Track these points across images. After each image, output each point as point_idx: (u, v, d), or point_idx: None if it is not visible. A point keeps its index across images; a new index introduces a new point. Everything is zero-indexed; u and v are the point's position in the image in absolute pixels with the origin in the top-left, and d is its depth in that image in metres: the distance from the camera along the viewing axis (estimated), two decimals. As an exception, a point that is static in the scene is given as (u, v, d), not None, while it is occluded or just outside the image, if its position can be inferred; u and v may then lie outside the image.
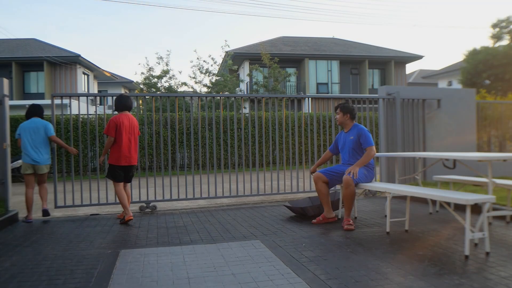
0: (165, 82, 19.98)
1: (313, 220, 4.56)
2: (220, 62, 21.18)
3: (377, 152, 11.70)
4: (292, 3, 63.93)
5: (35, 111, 5.32)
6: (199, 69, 19.86)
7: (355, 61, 24.93)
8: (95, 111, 5.76)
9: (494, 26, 20.49)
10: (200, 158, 5.98)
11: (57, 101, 12.53)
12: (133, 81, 26.14)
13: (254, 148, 13.12)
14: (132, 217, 4.79)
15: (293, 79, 23.06)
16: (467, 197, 3.09)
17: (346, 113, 4.64)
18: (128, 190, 5.19)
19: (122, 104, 4.99)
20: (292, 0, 51.71)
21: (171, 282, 2.71)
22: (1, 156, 5.37)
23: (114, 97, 5.13)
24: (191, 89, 20.13)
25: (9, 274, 2.96)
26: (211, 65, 20.08)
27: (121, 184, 4.91)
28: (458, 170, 5.68)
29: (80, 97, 21.14)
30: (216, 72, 20.25)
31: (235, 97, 6.35)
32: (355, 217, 4.78)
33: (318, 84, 23.94)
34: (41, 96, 22.50)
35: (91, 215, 5.51)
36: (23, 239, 4.12)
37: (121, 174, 4.89)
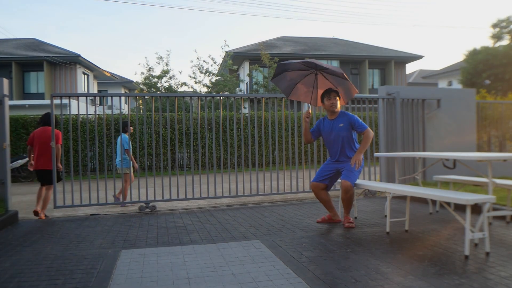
0: (165, 82, 19.99)
1: (318, 219, 4.58)
2: (220, 62, 21.18)
3: (377, 152, 11.70)
4: (292, 3, 63.91)
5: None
6: (199, 69, 19.87)
7: (355, 61, 24.93)
8: (95, 111, 5.76)
9: (494, 26, 20.50)
10: (200, 158, 5.98)
11: (57, 101, 12.53)
12: (133, 81, 26.13)
13: (254, 148, 13.11)
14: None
15: (293, 79, 23.04)
16: (467, 197, 3.09)
17: (322, 101, 4.51)
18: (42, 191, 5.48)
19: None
20: (292, 0, 51.69)
21: (171, 282, 2.71)
22: (1, 156, 5.37)
23: (114, 97, 5.14)
24: (191, 89, 20.13)
25: (9, 274, 2.95)
26: (211, 65, 20.10)
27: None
28: (458, 170, 5.67)
29: (80, 97, 21.15)
30: (216, 72, 20.25)
31: (235, 97, 6.35)
32: (355, 217, 4.78)
33: (318, 84, 23.92)
34: (41, 96, 22.50)
35: (91, 215, 5.51)
36: (23, 239, 4.12)
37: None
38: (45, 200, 5.46)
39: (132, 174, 6.62)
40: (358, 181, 4.79)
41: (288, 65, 4.49)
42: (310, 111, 4.54)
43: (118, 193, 6.44)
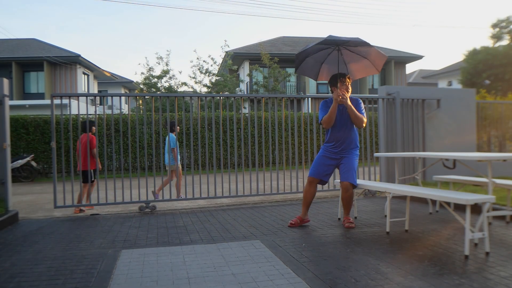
0: (165, 82, 20.00)
1: (291, 222, 4.41)
2: (220, 62, 21.18)
3: (377, 152, 11.70)
4: (292, 3, 63.91)
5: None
6: (199, 69, 19.87)
7: (355, 61, 24.89)
8: (95, 111, 5.76)
9: (494, 26, 20.50)
10: (200, 158, 5.98)
11: (57, 101, 12.51)
12: (133, 81, 26.13)
13: (254, 148, 13.11)
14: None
15: (293, 79, 23.07)
16: (467, 197, 3.09)
17: (333, 85, 4.35)
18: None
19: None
20: (292, 0, 51.70)
21: (171, 282, 2.71)
22: (1, 156, 5.38)
23: (114, 97, 5.15)
24: (191, 89, 20.13)
25: (9, 274, 2.95)
26: (211, 65, 20.10)
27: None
28: (458, 170, 5.68)
29: (80, 97, 21.15)
30: (216, 72, 20.25)
31: (235, 97, 6.35)
32: (355, 217, 4.78)
33: (318, 84, 23.94)
34: (41, 96, 22.51)
35: (91, 215, 5.51)
36: (23, 239, 4.12)
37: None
38: (83, 195, 5.98)
39: (180, 169, 7.08)
40: (358, 181, 4.78)
41: (307, 51, 4.37)
42: (343, 92, 4.18)
43: (158, 189, 6.60)
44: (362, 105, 4.35)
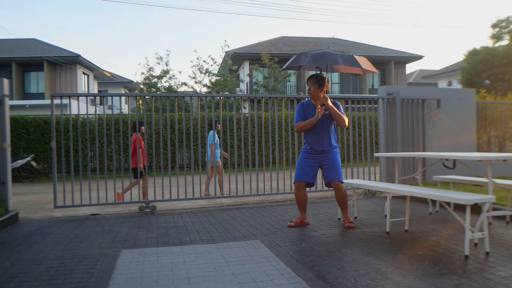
0: (165, 82, 20.01)
1: (291, 222, 4.42)
2: (220, 62, 21.18)
3: (377, 152, 11.70)
4: (292, 3, 63.92)
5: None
6: (199, 69, 19.88)
7: (355, 61, 24.88)
8: (95, 111, 5.76)
9: (494, 26, 20.49)
10: (200, 158, 5.98)
11: (57, 101, 12.53)
12: (133, 81, 26.14)
13: (254, 148, 13.11)
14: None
15: (293, 79, 23.05)
16: (467, 197, 3.10)
17: (322, 86, 4.30)
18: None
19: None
20: (292, 0, 51.72)
21: (171, 282, 2.71)
22: (1, 156, 5.38)
23: (114, 97, 5.16)
24: (191, 89, 20.14)
25: (9, 274, 2.95)
26: (211, 65, 20.10)
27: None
28: (458, 170, 5.68)
29: (80, 97, 21.15)
30: (216, 72, 20.25)
31: (235, 97, 6.35)
32: (355, 217, 4.78)
33: (318, 84, 23.92)
34: (41, 96, 22.51)
35: (91, 215, 5.51)
36: (23, 239, 4.12)
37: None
38: (128, 188, 6.44)
39: (220, 166, 7.28)
40: (358, 181, 4.79)
41: (301, 64, 4.33)
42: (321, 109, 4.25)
43: (204, 190, 6.91)
44: (341, 107, 4.40)
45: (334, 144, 4.40)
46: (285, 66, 4.58)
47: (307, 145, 4.42)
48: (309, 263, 3.04)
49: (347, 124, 4.29)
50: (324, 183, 4.49)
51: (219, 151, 7.27)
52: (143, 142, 6.69)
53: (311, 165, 4.36)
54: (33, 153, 12.63)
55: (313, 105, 4.36)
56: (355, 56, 4.21)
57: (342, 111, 4.35)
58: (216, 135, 7.11)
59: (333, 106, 4.21)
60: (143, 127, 6.74)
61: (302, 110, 4.41)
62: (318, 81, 4.31)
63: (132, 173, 6.63)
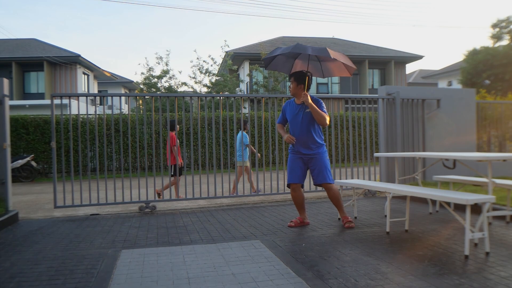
0: (165, 82, 20.02)
1: (291, 222, 4.42)
2: (220, 62, 21.18)
3: (377, 152, 11.70)
4: (292, 3, 63.92)
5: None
6: (199, 69, 19.89)
7: (355, 61, 24.87)
8: (95, 111, 5.76)
9: (494, 26, 20.49)
10: (200, 158, 5.98)
11: (57, 101, 12.51)
12: (133, 81, 26.14)
13: (254, 148, 13.11)
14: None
15: (293, 79, 22.97)
16: (467, 197, 3.09)
17: (301, 83, 4.21)
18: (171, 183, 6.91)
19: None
20: (292, 0, 51.72)
21: (171, 282, 2.71)
22: (1, 156, 5.38)
23: (114, 97, 5.16)
24: (191, 89, 20.14)
25: (9, 274, 2.95)
26: (211, 65, 20.11)
27: None
28: (458, 170, 5.68)
29: (80, 97, 21.14)
30: (216, 72, 20.26)
31: (235, 97, 6.35)
32: (355, 217, 4.77)
33: (318, 84, 23.94)
34: (41, 96, 22.50)
35: (91, 215, 5.51)
36: (23, 239, 4.12)
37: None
38: (168, 186, 6.79)
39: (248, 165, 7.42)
40: (358, 181, 4.79)
41: (277, 53, 4.26)
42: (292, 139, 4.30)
43: (232, 189, 7.16)
44: (324, 104, 4.28)
45: (320, 142, 4.28)
46: (264, 64, 4.61)
47: (291, 145, 4.37)
48: (309, 263, 3.04)
49: (327, 122, 4.16)
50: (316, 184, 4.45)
51: (248, 150, 7.38)
52: (178, 140, 7.02)
53: (300, 165, 4.31)
54: (33, 153, 12.63)
55: (294, 103, 4.31)
56: (328, 49, 4.08)
57: (324, 109, 4.23)
58: (246, 135, 7.34)
59: (313, 103, 4.11)
60: (178, 126, 7.08)
61: (283, 110, 4.42)
62: (297, 78, 4.24)
63: (171, 170, 6.89)
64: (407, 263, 2.98)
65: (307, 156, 4.27)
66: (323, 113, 4.14)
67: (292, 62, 4.62)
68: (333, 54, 4.09)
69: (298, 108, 4.27)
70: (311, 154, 4.26)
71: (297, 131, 4.26)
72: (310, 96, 4.19)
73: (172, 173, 6.95)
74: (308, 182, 7.47)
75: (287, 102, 4.45)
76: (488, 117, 8.13)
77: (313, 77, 4.44)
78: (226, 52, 20.61)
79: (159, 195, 6.50)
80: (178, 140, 7.08)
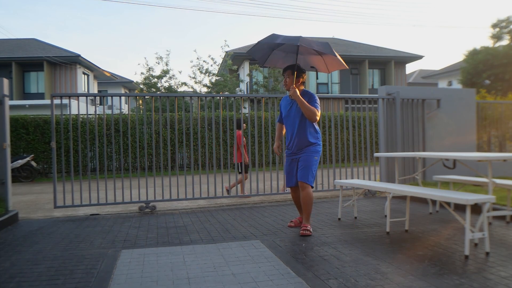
0: (165, 82, 20.02)
1: (290, 223, 4.37)
2: (220, 62, 21.18)
3: (377, 152, 11.70)
4: (292, 3, 63.92)
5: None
6: (199, 69, 19.89)
7: (355, 61, 24.93)
8: (95, 111, 5.76)
9: (494, 26, 20.49)
10: (200, 158, 5.97)
11: (57, 101, 12.50)
12: (133, 81, 26.14)
13: (254, 148, 13.11)
14: None
15: (293, 79, 22.98)
16: (467, 197, 3.09)
17: (298, 77, 4.07)
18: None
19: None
20: (292, 0, 51.72)
21: (171, 282, 2.70)
22: (1, 156, 5.37)
23: (114, 97, 5.16)
24: (191, 89, 20.14)
25: (9, 274, 2.95)
26: (211, 65, 20.11)
27: None
28: (458, 170, 5.68)
29: (80, 97, 21.14)
30: (216, 72, 20.26)
31: (235, 97, 6.35)
32: (355, 217, 4.77)
33: (318, 84, 23.95)
34: (41, 96, 22.50)
35: (91, 215, 5.51)
36: (23, 239, 4.12)
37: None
38: (238, 183, 6.80)
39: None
40: (358, 181, 4.79)
41: (275, 41, 4.04)
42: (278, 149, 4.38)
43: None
44: (316, 99, 4.07)
45: (312, 141, 4.10)
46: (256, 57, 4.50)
47: (286, 146, 4.29)
48: (309, 263, 3.04)
49: (317, 117, 3.95)
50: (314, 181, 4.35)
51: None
52: (244, 139, 7.13)
53: (294, 166, 4.20)
54: (33, 153, 12.63)
55: (288, 98, 4.20)
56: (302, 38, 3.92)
57: (316, 104, 4.02)
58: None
59: (300, 97, 3.93)
60: (244, 124, 7.19)
61: (279, 106, 4.37)
62: (292, 71, 4.08)
63: (238, 168, 6.99)
64: (407, 263, 2.98)
65: (298, 155, 4.12)
66: (312, 107, 3.93)
67: (269, 52, 4.43)
68: (306, 44, 3.94)
69: (290, 102, 4.16)
70: (303, 150, 4.10)
71: (289, 126, 4.16)
72: (305, 90, 4.10)
73: (239, 171, 6.95)
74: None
75: (283, 97, 4.37)
76: (488, 117, 8.13)
77: (316, 75, 4.40)
78: (226, 52, 20.61)
79: (228, 191, 6.72)
80: (244, 139, 7.14)
